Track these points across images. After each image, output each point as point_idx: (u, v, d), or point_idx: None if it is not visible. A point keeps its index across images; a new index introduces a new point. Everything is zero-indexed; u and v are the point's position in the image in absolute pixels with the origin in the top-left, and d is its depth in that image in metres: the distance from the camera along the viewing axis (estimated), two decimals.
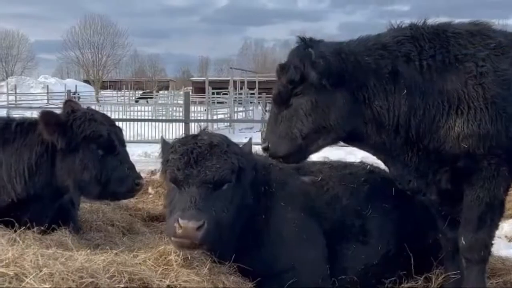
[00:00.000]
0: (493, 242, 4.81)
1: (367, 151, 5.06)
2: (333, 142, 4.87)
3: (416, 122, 4.58)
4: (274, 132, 4.70)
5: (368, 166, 5.69)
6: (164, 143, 4.92)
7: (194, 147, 4.52)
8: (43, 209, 5.68)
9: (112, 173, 5.49)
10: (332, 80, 4.53)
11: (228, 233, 4.56)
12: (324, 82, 4.52)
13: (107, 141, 5.52)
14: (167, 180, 4.65)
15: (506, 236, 7.85)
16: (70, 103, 5.81)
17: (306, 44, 4.69)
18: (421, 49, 4.63)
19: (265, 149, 4.72)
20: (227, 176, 4.50)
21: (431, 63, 4.58)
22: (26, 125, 5.62)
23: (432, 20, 4.87)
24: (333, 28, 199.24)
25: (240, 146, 4.90)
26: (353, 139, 4.87)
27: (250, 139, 5.08)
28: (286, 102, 4.67)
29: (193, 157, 4.46)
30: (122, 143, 5.75)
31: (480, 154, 4.49)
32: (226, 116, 34.33)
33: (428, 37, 4.67)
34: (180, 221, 4.17)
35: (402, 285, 5.15)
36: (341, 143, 5.03)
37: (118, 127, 5.88)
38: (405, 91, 4.56)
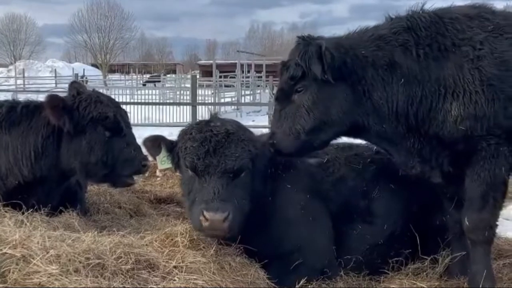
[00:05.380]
0: (497, 223, 4.81)
1: (368, 140, 5.18)
2: (336, 136, 4.98)
3: (414, 110, 4.65)
4: (279, 129, 4.79)
5: (374, 147, 5.66)
6: (148, 140, 4.97)
7: (211, 135, 4.52)
8: (50, 191, 5.72)
9: (118, 154, 5.52)
10: (335, 75, 4.59)
11: (245, 218, 4.58)
12: (328, 77, 4.57)
13: (113, 122, 5.53)
14: (184, 168, 4.66)
15: None
16: (75, 85, 5.80)
17: (306, 41, 4.75)
18: (418, 38, 4.68)
19: (271, 146, 4.79)
20: (245, 164, 4.55)
21: (428, 51, 4.64)
22: (31, 108, 5.63)
23: (430, 6, 4.89)
24: (344, 10, 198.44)
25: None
26: (355, 132, 4.95)
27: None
28: (288, 98, 4.77)
29: (211, 146, 4.47)
30: (128, 125, 5.76)
31: (478, 136, 4.53)
32: (233, 99, 34.27)
33: (425, 25, 4.71)
34: (206, 213, 4.23)
35: (409, 266, 5.15)
36: None
37: (124, 110, 5.89)
38: (403, 80, 4.64)
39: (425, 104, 4.62)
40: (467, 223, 4.70)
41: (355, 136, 5.10)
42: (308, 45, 4.68)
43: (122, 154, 5.56)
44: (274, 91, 29.54)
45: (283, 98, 4.82)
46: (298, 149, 4.82)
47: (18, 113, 5.61)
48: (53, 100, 5.43)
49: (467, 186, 4.69)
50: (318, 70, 4.56)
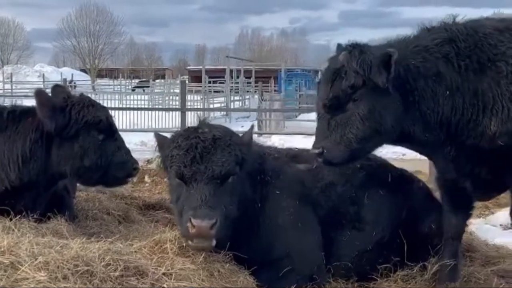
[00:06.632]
0: None
1: (409, 148, 5.30)
2: (383, 144, 4.98)
3: (455, 121, 4.71)
4: (328, 137, 4.69)
5: None
6: (159, 137, 4.89)
7: (197, 141, 4.50)
8: (38, 196, 5.68)
9: (112, 157, 5.53)
10: (392, 85, 4.58)
11: (233, 224, 4.57)
12: (388, 85, 4.54)
13: (107, 126, 5.56)
14: (171, 176, 4.65)
15: (501, 225, 7.90)
16: (60, 89, 5.81)
17: (359, 49, 4.70)
18: (458, 50, 4.72)
19: (319, 155, 4.70)
20: (232, 169, 4.52)
21: (468, 63, 4.68)
22: (18, 113, 5.60)
23: (460, 18, 4.97)
24: (333, 16, 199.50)
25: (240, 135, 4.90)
26: (399, 140, 5.00)
27: (252, 127, 5.08)
28: (341, 107, 4.67)
29: (198, 153, 4.44)
30: (115, 128, 5.79)
31: None
32: (222, 105, 34.33)
33: (464, 38, 4.75)
34: (193, 220, 4.20)
35: (397, 272, 5.17)
36: None
37: (110, 113, 5.90)
38: (448, 92, 4.68)
39: (466, 116, 4.68)
40: None
41: (397, 143, 5.17)
42: (362, 52, 4.64)
43: (115, 157, 5.57)
44: (263, 97, 29.59)
45: (335, 106, 4.69)
46: (348, 158, 4.77)
47: (4, 118, 5.57)
48: (43, 96, 5.45)
49: None
50: (382, 79, 4.52)
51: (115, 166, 5.56)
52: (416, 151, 5.31)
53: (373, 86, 4.58)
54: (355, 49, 4.70)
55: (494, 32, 4.78)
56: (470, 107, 4.66)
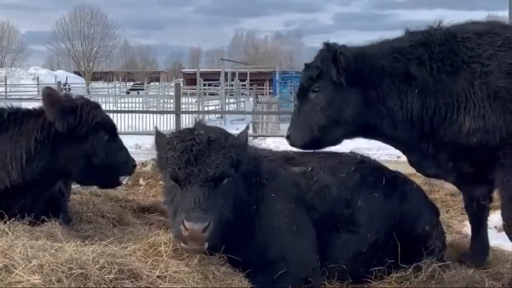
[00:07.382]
0: None
1: (385, 142, 5.66)
2: (348, 135, 5.48)
3: (428, 119, 5.06)
4: (296, 123, 5.39)
5: (358, 156, 5.70)
6: (158, 135, 4.87)
7: (192, 143, 4.48)
8: (38, 196, 5.70)
9: (115, 156, 5.72)
10: (350, 79, 5.05)
11: (227, 227, 4.56)
12: (342, 79, 5.04)
13: (112, 126, 5.76)
14: (166, 178, 4.64)
15: (495, 227, 7.88)
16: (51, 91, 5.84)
17: (328, 47, 5.25)
18: (432, 54, 5.07)
19: (287, 138, 5.40)
20: (227, 171, 4.50)
21: (440, 66, 5.02)
22: (19, 115, 5.63)
23: (447, 23, 5.33)
24: (328, 19, 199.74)
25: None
26: (369, 133, 5.47)
27: (247, 127, 5.08)
28: (306, 96, 5.33)
29: (193, 155, 4.43)
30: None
31: (494, 145, 4.85)
32: (217, 107, 34.27)
33: (439, 42, 5.10)
34: (186, 223, 4.19)
35: (391, 274, 5.17)
36: None
37: None
38: (417, 90, 5.04)
39: (439, 114, 5.01)
40: (503, 222, 5.19)
41: (371, 137, 5.62)
42: (329, 51, 5.16)
43: (118, 156, 5.77)
44: (258, 99, 29.70)
45: (301, 95, 5.40)
46: (310, 143, 5.39)
47: (5, 119, 5.59)
48: (51, 97, 5.48)
49: (498, 191, 5.19)
50: (333, 73, 5.03)
51: (119, 164, 5.77)
52: (393, 146, 5.67)
53: (330, 80, 5.10)
54: (326, 47, 5.28)
55: (473, 36, 5.06)
56: (444, 106, 4.97)
